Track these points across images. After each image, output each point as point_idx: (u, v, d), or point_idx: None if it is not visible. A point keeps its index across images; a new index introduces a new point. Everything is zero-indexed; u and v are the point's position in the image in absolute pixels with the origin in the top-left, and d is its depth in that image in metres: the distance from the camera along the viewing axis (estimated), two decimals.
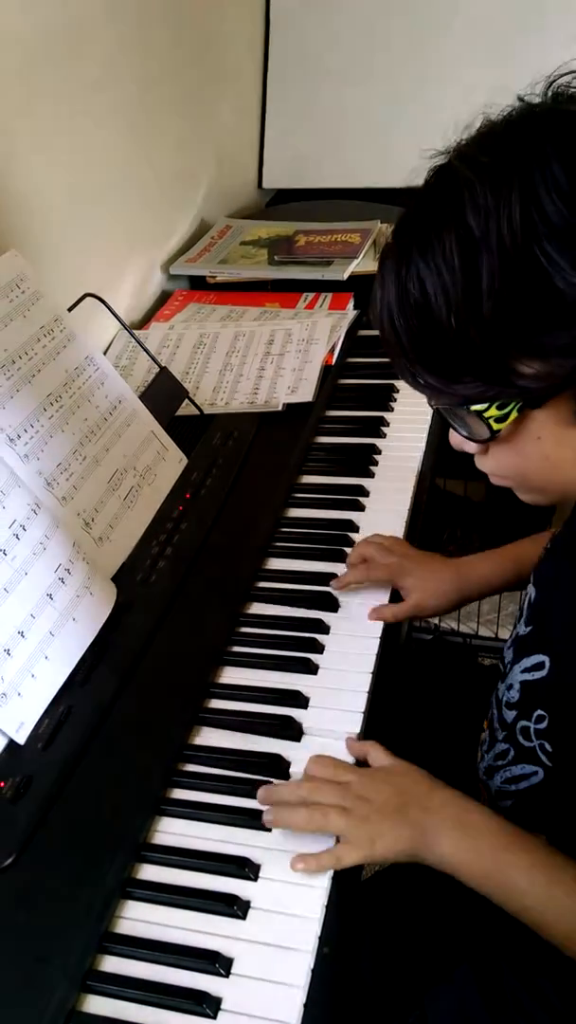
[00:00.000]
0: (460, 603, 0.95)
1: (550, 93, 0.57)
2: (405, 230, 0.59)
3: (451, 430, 0.65)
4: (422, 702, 1.06)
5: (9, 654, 0.77)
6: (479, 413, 0.60)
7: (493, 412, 0.60)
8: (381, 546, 0.95)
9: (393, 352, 0.61)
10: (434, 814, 0.68)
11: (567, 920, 0.64)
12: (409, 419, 1.20)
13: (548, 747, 0.70)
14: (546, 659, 0.71)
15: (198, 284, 1.57)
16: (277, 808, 0.69)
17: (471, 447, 0.65)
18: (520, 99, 0.57)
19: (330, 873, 0.67)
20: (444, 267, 0.55)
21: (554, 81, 0.57)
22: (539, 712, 0.71)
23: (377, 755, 0.74)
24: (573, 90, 0.56)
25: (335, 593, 0.93)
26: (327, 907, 0.65)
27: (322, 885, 0.66)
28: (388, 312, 0.59)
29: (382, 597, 0.93)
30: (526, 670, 0.73)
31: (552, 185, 0.52)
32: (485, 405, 0.60)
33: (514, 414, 0.60)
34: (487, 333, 0.55)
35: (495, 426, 0.60)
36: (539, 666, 0.72)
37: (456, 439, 0.66)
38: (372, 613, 0.90)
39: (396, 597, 0.94)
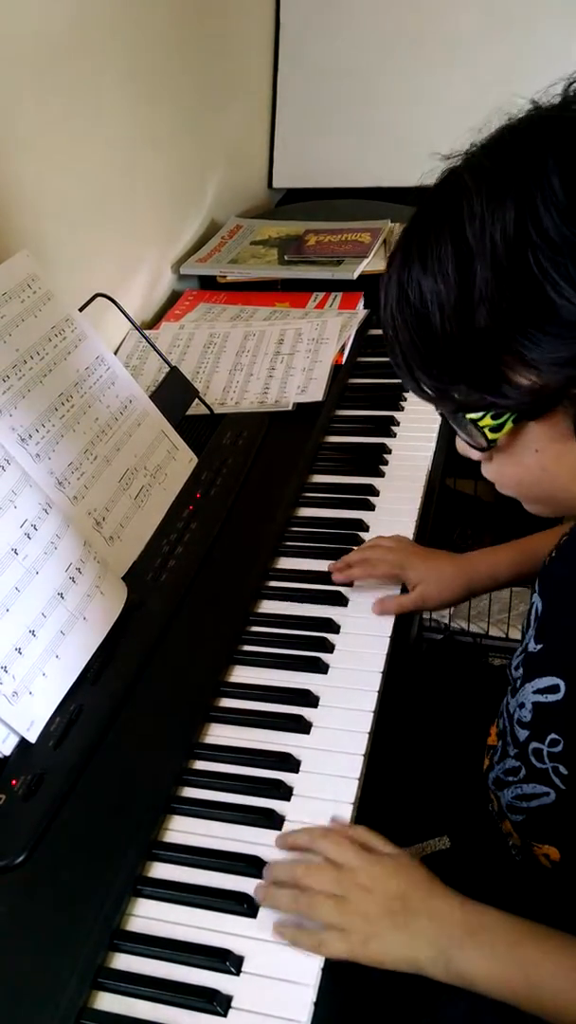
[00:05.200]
0: (468, 595, 0.95)
1: (561, 97, 0.55)
2: (411, 233, 0.58)
3: (457, 436, 0.65)
4: (432, 702, 1.06)
5: (20, 653, 0.77)
6: (474, 421, 0.60)
7: (488, 421, 0.59)
8: (383, 547, 0.96)
9: (394, 355, 0.61)
10: (442, 924, 0.63)
11: None
12: (419, 419, 1.20)
13: (563, 770, 0.69)
14: (561, 682, 0.69)
15: (208, 284, 1.57)
16: (270, 886, 0.66)
17: (475, 454, 0.65)
18: (533, 103, 0.56)
19: None
20: (440, 274, 0.55)
21: (573, 83, 0.55)
22: (553, 736, 0.69)
23: (378, 842, 0.69)
24: None
25: (345, 592, 0.93)
26: None
27: None
28: (390, 315, 0.59)
29: (395, 591, 0.93)
30: (539, 691, 0.71)
31: (550, 198, 0.50)
32: (480, 414, 0.59)
33: (509, 425, 0.59)
34: (479, 342, 0.55)
35: (490, 435, 0.60)
36: (553, 689, 0.70)
37: (461, 445, 0.65)
38: (376, 606, 0.91)
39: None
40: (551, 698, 0.70)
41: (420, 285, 0.56)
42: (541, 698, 0.71)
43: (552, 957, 0.61)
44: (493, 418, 0.59)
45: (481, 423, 0.60)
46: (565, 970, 0.60)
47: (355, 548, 0.98)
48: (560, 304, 0.51)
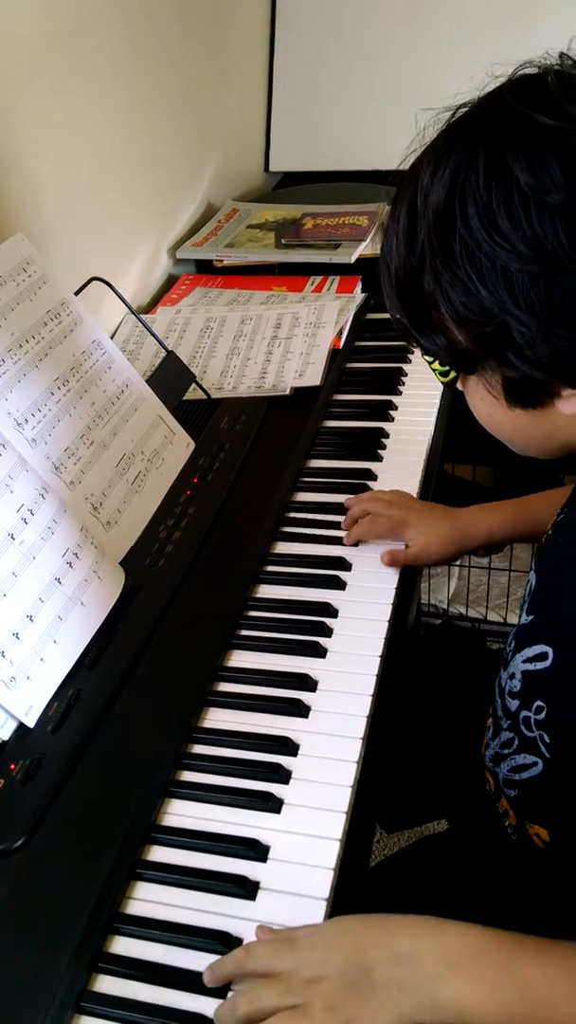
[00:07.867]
0: (461, 551, 0.98)
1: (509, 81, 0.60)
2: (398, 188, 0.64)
3: None
4: (430, 687, 1.06)
5: (18, 638, 0.77)
6: (428, 362, 0.68)
7: (437, 366, 0.67)
8: (383, 500, 0.98)
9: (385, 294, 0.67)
10: (414, 965, 0.55)
11: None
12: (417, 403, 1.20)
13: (547, 738, 0.70)
14: (549, 650, 0.70)
15: (205, 268, 1.56)
16: None
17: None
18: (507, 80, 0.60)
19: (337, 855, 0.67)
20: (397, 228, 0.62)
21: (521, 69, 0.60)
22: (539, 703, 0.70)
23: (296, 931, 0.61)
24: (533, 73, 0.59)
25: (343, 576, 0.92)
26: (336, 889, 0.65)
27: (329, 867, 0.66)
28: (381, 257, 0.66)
29: (393, 575, 0.93)
30: (528, 660, 0.72)
31: (472, 191, 0.56)
32: (432, 357, 0.67)
33: (453, 372, 0.66)
34: (420, 293, 0.61)
35: (440, 379, 0.67)
36: (541, 656, 0.71)
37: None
38: (386, 555, 0.93)
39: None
40: (539, 666, 0.71)
41: (387, 237, 0.64)
42: (530, 666, 0.72)
43: (551, 972, 0.54)
44: (440, 363, 0.66)
45: (432, 365, 0.68)
46: (566, 986, 0.54)
47: (353, 496, 1.01)
48: (483, 264, 0.57)
